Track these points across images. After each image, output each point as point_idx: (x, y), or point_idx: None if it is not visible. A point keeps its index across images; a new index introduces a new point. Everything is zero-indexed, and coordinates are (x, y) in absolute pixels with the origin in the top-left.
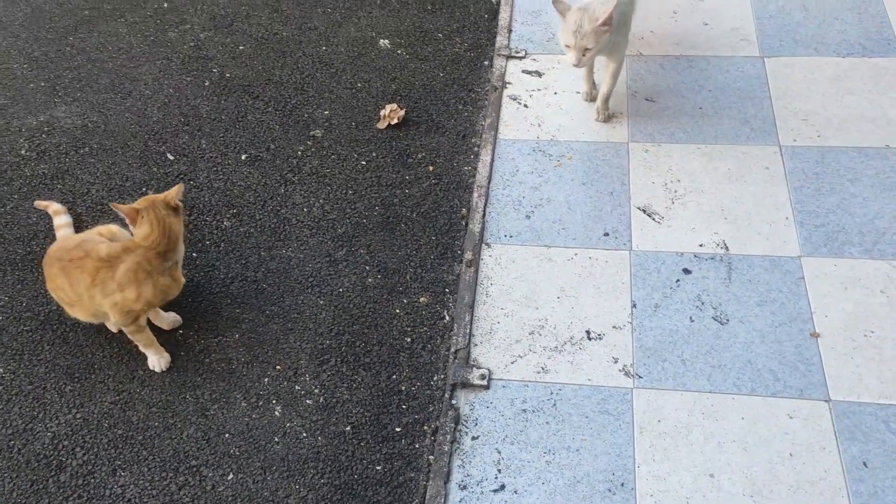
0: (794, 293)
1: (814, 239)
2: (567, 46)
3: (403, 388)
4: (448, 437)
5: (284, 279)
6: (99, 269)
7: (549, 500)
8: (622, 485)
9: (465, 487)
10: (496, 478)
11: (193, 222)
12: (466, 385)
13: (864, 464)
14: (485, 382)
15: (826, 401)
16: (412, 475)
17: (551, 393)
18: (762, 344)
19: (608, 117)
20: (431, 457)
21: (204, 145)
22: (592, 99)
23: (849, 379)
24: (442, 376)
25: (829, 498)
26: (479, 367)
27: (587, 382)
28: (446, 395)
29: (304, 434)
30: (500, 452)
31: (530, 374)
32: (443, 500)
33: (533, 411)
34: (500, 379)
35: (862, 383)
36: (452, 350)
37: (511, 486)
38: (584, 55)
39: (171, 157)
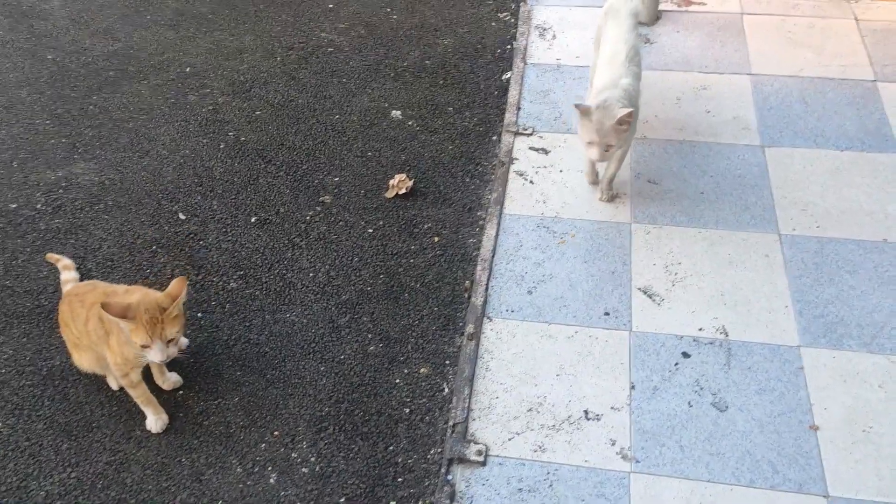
0: (794, 383)
1: (813, 329)
2: (590, 143)
3: (400, 460)
4: None
5: (287, 343)
6: (96, 305)
7: None
8: None
9: None
10: None
11: (200, 282)
12: (463, 460)
13: None
14: (481, 459)
15: (825, 496)
16: None
17: (548, 473)
18: (761, 434)
19: (612, 197)
20: None
21: (215, 206)
22: (595, 182)
23: (847, 474)
24: (439, 450)
25: None
26: (476, 443)
27: (584, 464)
28: (442, 471)
29: None
30: None
31: (527, 452)
32: None
33: (529, 491)
34: (497, 455)
35: (860, 479)
36: (451, 423)
37: None
38: (607, 150)
39: (183, 217)
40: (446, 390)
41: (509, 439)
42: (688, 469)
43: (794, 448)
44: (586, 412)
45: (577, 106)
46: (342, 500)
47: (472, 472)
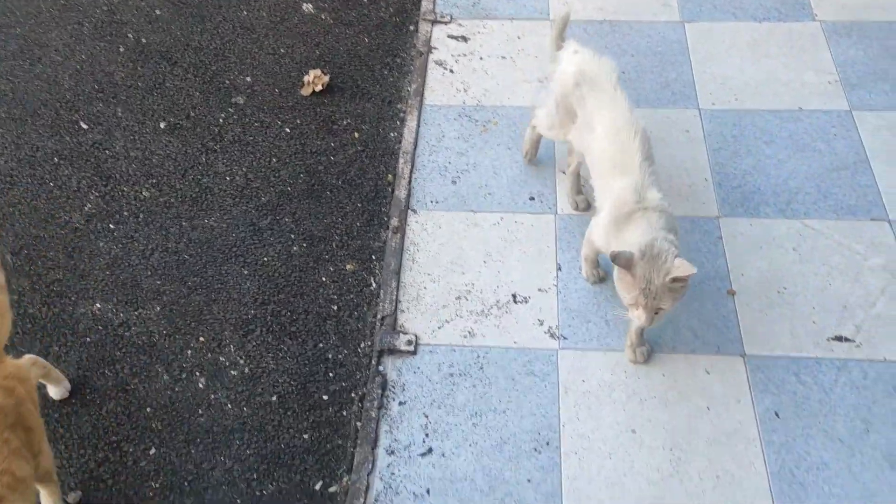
0: (713, 252)
1: (731, 199)
2: (632, 305)
3: (330, 356)
4: (375, 403)
5: (207, 249)
6: None
7: (476, 461)
8: (547, 443)
9: (392, 452)
10: (424, 442)
11: (110, 193)
12: (393, 351)
13: (777, 414)
14: (412, 348)
15: (741, 356)
16: (339, 442)
17: (478, 357)
18: (681, 303)
19: (647, 355)
20: (359, 423)
21: (120, 113)
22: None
23: (763, 334)
24: (369, 343)
25: (743, 448)
26: (405, 333)
27: (513, 345)
28: (373, 362)
29: (230, 405)
30: (427, 417)
31: (457, 338)
32: (370, 466)
33: (460, 375)
34: (428, 344)
35: (775, 338)
36: (379, 317)
37: (439, 449)
38: (657, 313)
39: (85, 126)
40: (374, 285)
41: (439, 328)
42: (613, 342)
43: (712, 313)
44: (514, 296)
45: (615, 260)
46: (273, 398)
47: (403, 362)
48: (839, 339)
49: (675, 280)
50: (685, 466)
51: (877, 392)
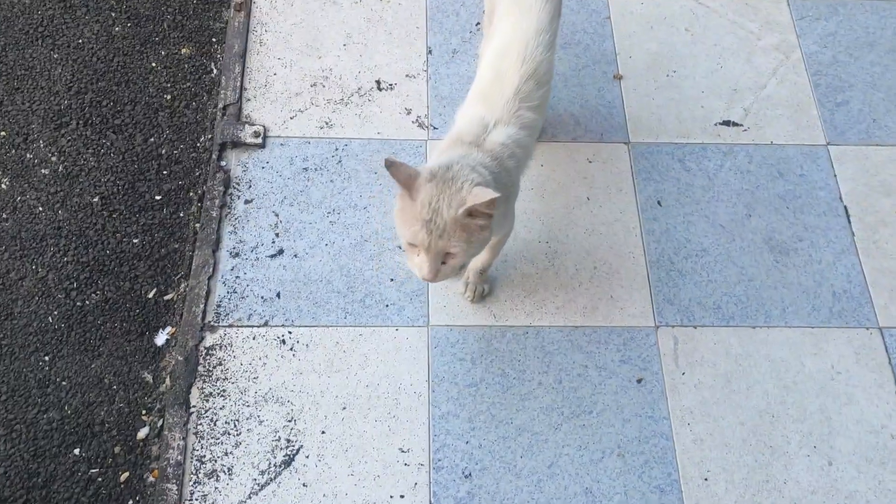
0: (600, 34)
1: None
2: (412, 245)
3: (164, 151)
4: (217, 201)
5: (6, 29)
6: None
7: (332, 261)
8: None
9: (237, 255)
10: (273, 242)
11: None
12: (238, 144)
13: (659, 203)
14: (259, 140)
15: (626, 143)
16: (176, 246)
17: (336, 149)
18: (564, 88)
19: (482, 294)
20: (198, 225)
21: None
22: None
23: (649, 120)
24: (209, 137)
25: (622, 238)
26: (252, 124)
27: (377, 136)
28: (214, 157)
29: (41, 208)
30: (277, 215)
31: (312, 129)
32: (211, 270)
33: (315, 169)
34: (278, 136)
35: (661, 124)
36: (221, 106)
37: (290, 249)
38: (444, 263)
39: None
40: (215, 71)
41: (291, 118)
42: None
43: (597, 99)
44: (378, 82)
45: (391, 165)
46: (96, 199)
47: (249, 156)
48: (727, 123)
49: (470, 214)
50: (561, 259)
51: (760, 176)
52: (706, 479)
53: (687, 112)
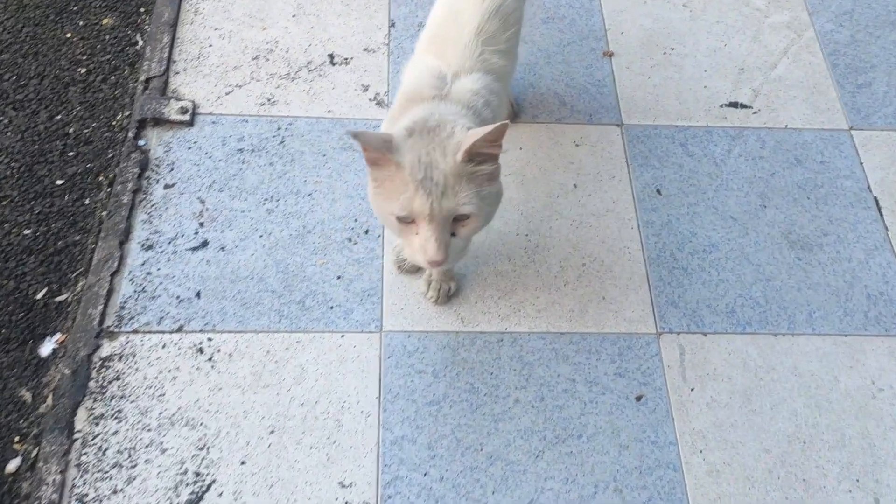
0: (587, 8)
1: None
2: (406, 224)
3: (72, 130)
4: (129, 185)
5: None
6: None
7: (267, 255)
8: (366, 232)
9: (151, 247)
10: (196, 233)
11: None
12: (161, 121)
13: (658, 191)
14: (186, 117)
15: (618, 125)
16: (77, 238)
17: (279, 128)
18: (547, 66)
19: (447, 295)
20: (105, 213)
21: None
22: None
23: (644, 101)
24: (128, 114)
25: (616, 231)
26: (179, 100)
27: (327, 115)
28: (130, 135)
29: None
30: (203, 202)
31: (251, 106)
32: (116, 265)
33: (253, 151)
34: (210, 113)
35: (659, 105)
36: (143, 79)
37: (217, 241)
38: (454, 234)
39: None
40: (140, 43)
41: (227, 94)
42: None
43: (584, 78)
44: (331, 56)
45: (356, 134)
46: None
47: (173, 135)
48: (734, 105)
49: (471, 159)
50: (543, 254)
51: (775, 163)
52: None
53: (688, 93)
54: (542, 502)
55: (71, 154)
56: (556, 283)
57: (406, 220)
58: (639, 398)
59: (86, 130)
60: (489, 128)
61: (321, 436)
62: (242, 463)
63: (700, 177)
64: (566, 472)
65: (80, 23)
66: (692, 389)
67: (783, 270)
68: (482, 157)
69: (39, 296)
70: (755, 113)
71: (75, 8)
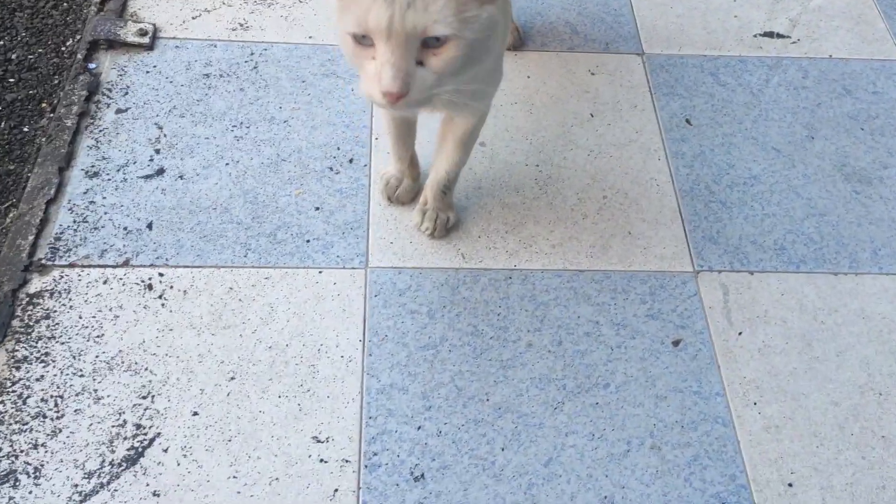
0: None
1: None
2: (362, 46)
3: (14, 56)
4: (75, 108)
5: None
6: None
7: (234, 185)
8: (350, 161)
9: (96, 174)
10: (152, 160)
11: None
12: (116, 44)
13: (688, 121)
14: (146, 41)
15: (639, 54)
16: (11, 168)
17: (252, 53)
18: None
19: (444, 229)
20: (45, 139)
21: None
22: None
23: (667, 30)
24: (78, 39)
25: (641, 162)
26: (139, 22)
27: (307, 41)
28: (79, 57)
29: None
30: (161, 128)
31: (221, 31)
32: (53, 192)
33: (221, 76)
34: (173, 38)
35: (684, 34)
36: (98, 0)
37: (175, 169)
38: (421, 65)
39: None
40: None
41: (193, 18)
42: None
43: (598, 6)
44: None
45: None
46: None
47: (129, 59)
48: (770, 35)
49: None
50: (557, 186)
51: (821, 93)
52: (790, 485)
53: (716, 22)
54: (564, 461)
55: (12, 80)
56: (572, 216)
57: (365, 43)
58: (676, 343)
59: (31, 56)
60: None
61: (292, 383)
62: (195, 414)
63: (735, 107)
64: (591, 426)
65: None
66: (740, 333)
67: (839, 205)
68: None
69: None
70: (794, 43)
71: None
